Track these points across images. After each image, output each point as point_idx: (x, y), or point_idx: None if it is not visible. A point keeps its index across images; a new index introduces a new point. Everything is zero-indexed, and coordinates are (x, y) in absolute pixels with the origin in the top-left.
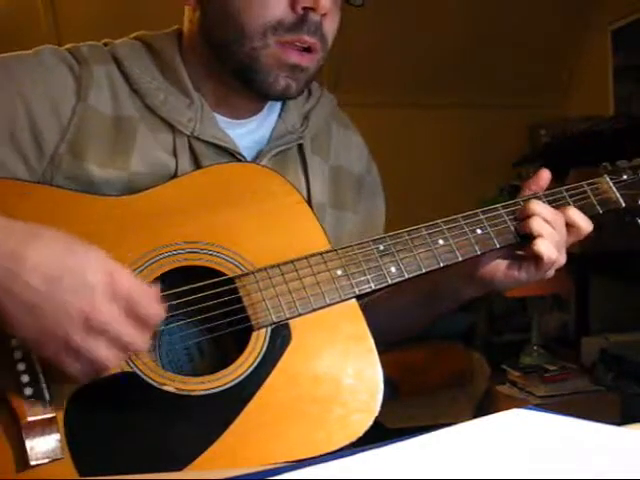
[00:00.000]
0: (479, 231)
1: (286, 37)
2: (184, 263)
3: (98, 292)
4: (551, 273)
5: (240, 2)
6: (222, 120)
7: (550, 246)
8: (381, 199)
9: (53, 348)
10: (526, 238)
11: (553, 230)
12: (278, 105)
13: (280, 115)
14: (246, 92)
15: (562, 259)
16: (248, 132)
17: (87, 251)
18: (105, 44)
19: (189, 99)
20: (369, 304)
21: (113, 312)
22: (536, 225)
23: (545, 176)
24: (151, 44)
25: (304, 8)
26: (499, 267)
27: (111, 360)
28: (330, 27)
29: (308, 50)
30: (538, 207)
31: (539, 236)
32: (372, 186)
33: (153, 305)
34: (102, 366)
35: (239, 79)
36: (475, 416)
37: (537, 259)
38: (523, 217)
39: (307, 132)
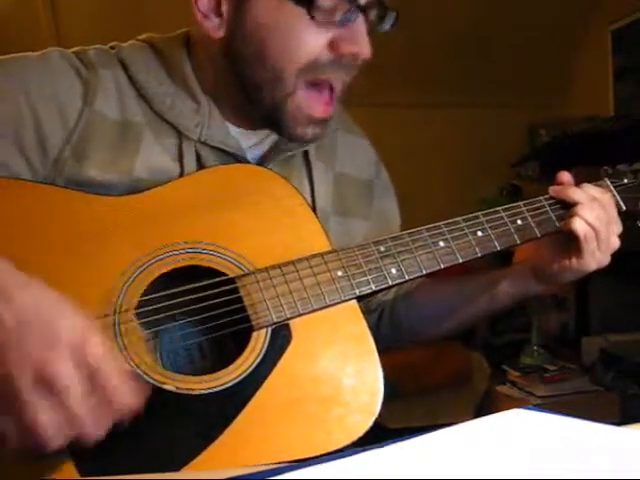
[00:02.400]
0: (480, 233)
1: (320, 77)
2: (185, 263)
3: (62, 349)
4: (602, 256)
5: (277, 44)
6: (232, 130)
7: (582, 223)
8: (393, 201)
9: (1, 388)
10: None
11: (585, 207)
12: None
13: None
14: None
15: (602, 231)
16: (255, 135)
17: (72, 312)
18: (112, 47)
19: (196, 103)
20: (419, 288)
21: (72, 377)
22: (572, 195)
23: (565, 179)
24: (159, 47)
25: (347, 53)
26: (549, 258)
27: (49, 430)
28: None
29: (331, 89)
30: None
31: (572, 215)
32: (383, 189)
33: (123, 385)
34: (37, 432)
35: (262, 114)
36: (475, 416)
37: (576, 239)
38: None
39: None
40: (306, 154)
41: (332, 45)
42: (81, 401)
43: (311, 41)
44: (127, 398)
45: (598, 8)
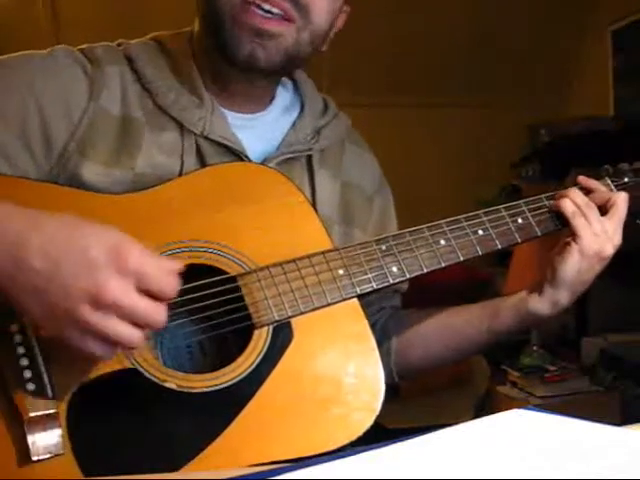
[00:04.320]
0: (481, 232)
1: None
2: (187, 261)
3: (102, 269)
4: (604, 248)
5: None
6: (233, 116)
7: (568, 201)
8: (392, 222)
9: (66, 330)
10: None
11: (577, 208)
12: (294, 115)
13: (294, 124)
14: (233, 70)
15: (596, 225)
16: (257, 134)
17: (93, 229)
18: (119, 44)
19: (199, 99)
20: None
21: (122, 287)
22: (564, 206)
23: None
24: (164, 44)
25: None
26: (548, 258)
27: (127, 335)
28: None
29: (280, 17)
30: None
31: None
32: (383, 208)
33: (166, 278)
34: (120, 342)
35: (219, 51)
36: (475, 416)
37: (573, 235)
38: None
39: (317, 145)
40: (309, 160)
41: None
42: (139, 300)
43: None
44: (171, 282)
45: (598, 8)
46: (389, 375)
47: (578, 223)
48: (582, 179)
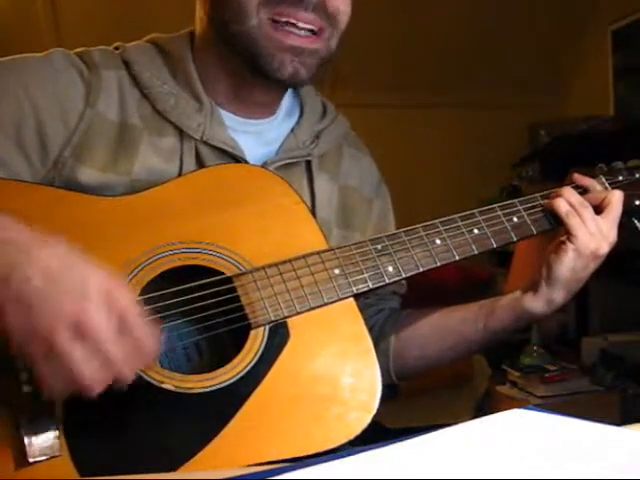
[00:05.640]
0: (476, 231)
1: (277, 10)
2: (183, 262)
3: (94, 300)
4: (599, 246)
5: None
6: (233, 119)
7: (562, 200)
8: (391, 224)
9: (35, 347)
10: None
11: (571, 208)
12: (293, 119)
13: (293, 129)
14: (258, 81)
15: (591, 224)
16: (257, 138)
17: (94, 266)
18: (116, 47)
19: (199, 103)
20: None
21: (105, 324)
22: (558, 206)
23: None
24: (163, 47)
25: None
26: (543, 256)
27: (90, 374)
28: (336, 4)
29: (313, 33)
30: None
31: (561, 215)
32: (382, 211)
33: (148, 334)
34: (80, 378)
35: (247, 64)
36: (475, 416)
37: (568, 234)
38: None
39: (316, 150)
40: (309, 165)
41: None
42: (115, 343)
43: None
44: (153, 342)
45: (598, 8)
46: (387, 376)
47: (573, 222)
48: (577, 177)
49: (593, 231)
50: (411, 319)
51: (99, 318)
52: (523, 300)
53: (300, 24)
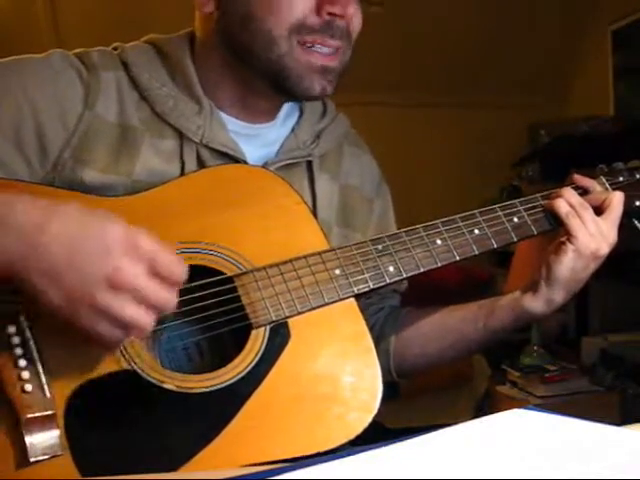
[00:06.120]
0: (477, 231)
1: (308, 38)
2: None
3: (118, 253)
4: (599, 247)
5: (265, 5)
6: (235, 123)
7: (562, 201)
8: (392, 223)
9: (81, 313)
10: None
11: (572, 209)
12: (293, 119)
13: (293, 130)
14: (270, 93)
15: (591, 225)
16: (258, 140)
17: (108, 218)
18: (115, 48)
19: (198, 105)
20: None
21: (136, 271)
22: (557, 206)
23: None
24: (162, 48)
25: (329, 14)
26: (543, 256)
27: (140, 318)
28: (355, 26)
29: (334, 52)
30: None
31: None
32: (382, 210)
33: (175, 263)
34: (133, 324)
35: (269, 83)
36: (475, 416)
37: (568, 235)
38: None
39: (317, 150)
40: (310, 165)
41: (317, 7)
42: (151, 284)
43: (298, 3)
44: (180, 269)
45: (598, 8)
46: (388, 374)
47: (573, 223)
48: (577, 178)
49: (593, 232)
50: (411, 317)
51: (129, 268)
52: (523, 300)
53: (329, 43)
